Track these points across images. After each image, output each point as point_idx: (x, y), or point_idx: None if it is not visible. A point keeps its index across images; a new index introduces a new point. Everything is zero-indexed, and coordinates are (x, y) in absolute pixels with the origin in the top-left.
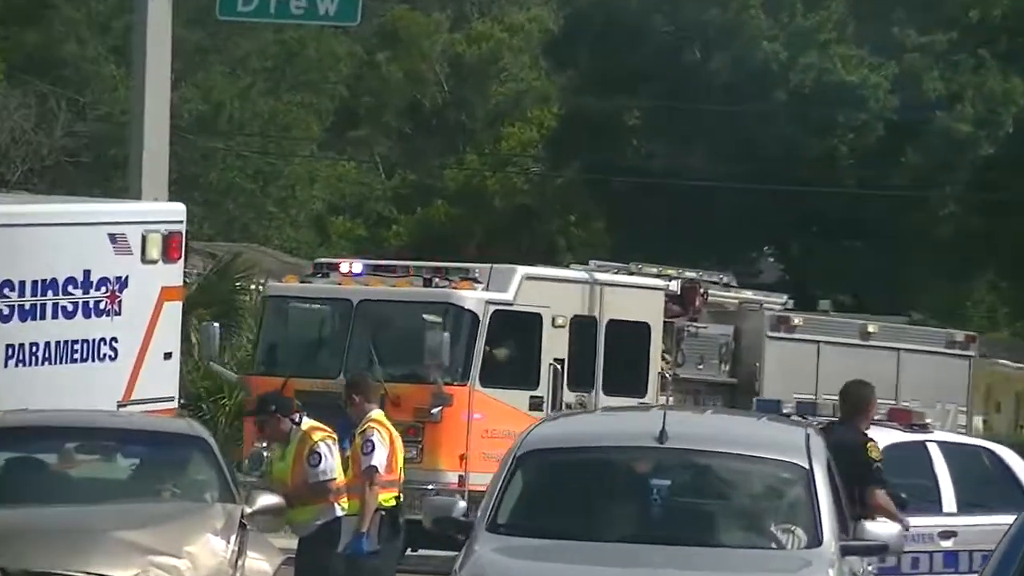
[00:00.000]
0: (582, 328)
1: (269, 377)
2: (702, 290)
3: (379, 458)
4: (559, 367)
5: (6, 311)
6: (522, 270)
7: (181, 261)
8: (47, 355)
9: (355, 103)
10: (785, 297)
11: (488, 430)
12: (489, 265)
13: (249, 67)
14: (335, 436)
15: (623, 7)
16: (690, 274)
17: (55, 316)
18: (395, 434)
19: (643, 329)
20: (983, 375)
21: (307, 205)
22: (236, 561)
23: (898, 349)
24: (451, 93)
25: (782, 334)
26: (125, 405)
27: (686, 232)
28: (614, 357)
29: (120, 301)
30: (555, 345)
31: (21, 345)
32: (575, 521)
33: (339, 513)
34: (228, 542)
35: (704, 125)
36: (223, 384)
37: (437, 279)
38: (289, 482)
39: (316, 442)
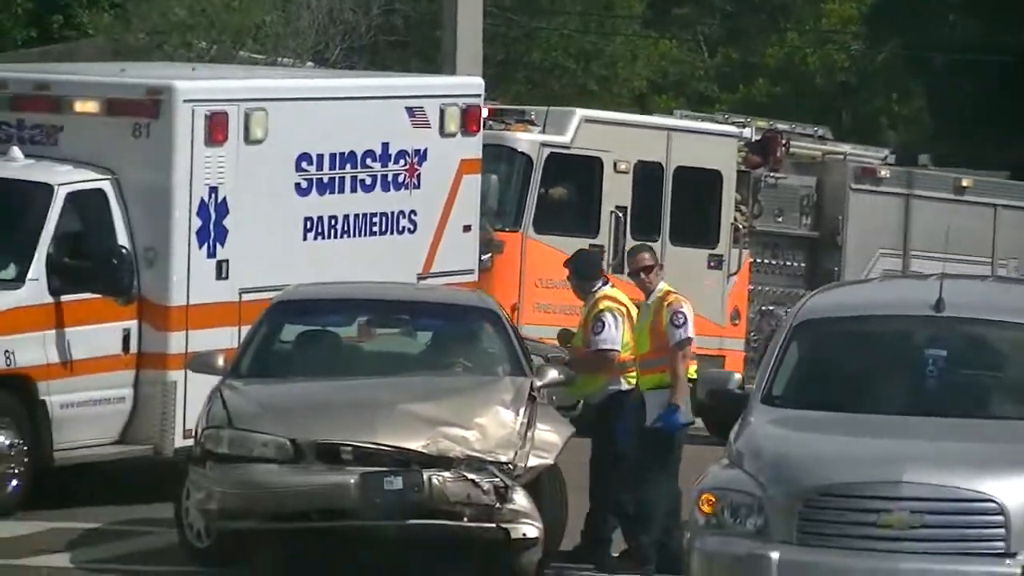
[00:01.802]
0: (647, 174)
1: None
2: (784, 140)
3: (692, 330)
4: (621, 215)
5: (304, 184)
6: (581, 112)
7: (480, 134)
8: (345, 228)
9: None
10: (887, 152)
11: (542, 279)
12: (546, 107)
13: None
14: (628, 308)
15: None
16: (782, 125)
17: (353, 189)
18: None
19: (714, 177)
20: None
21: (629, 83)
22: (525, 433)
23: (995, 205)
24: None
25: (867, 186)
26: (425, 278)
27: (1005, 111)
28: (682, 206)
29: (419, 174)
30: (617, 191)
31: (320, 218)
32: (849, 393)
33: (624, 387)
34: (517, 414)
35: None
36: None
37: (491, 121)
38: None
39: (602, 311)
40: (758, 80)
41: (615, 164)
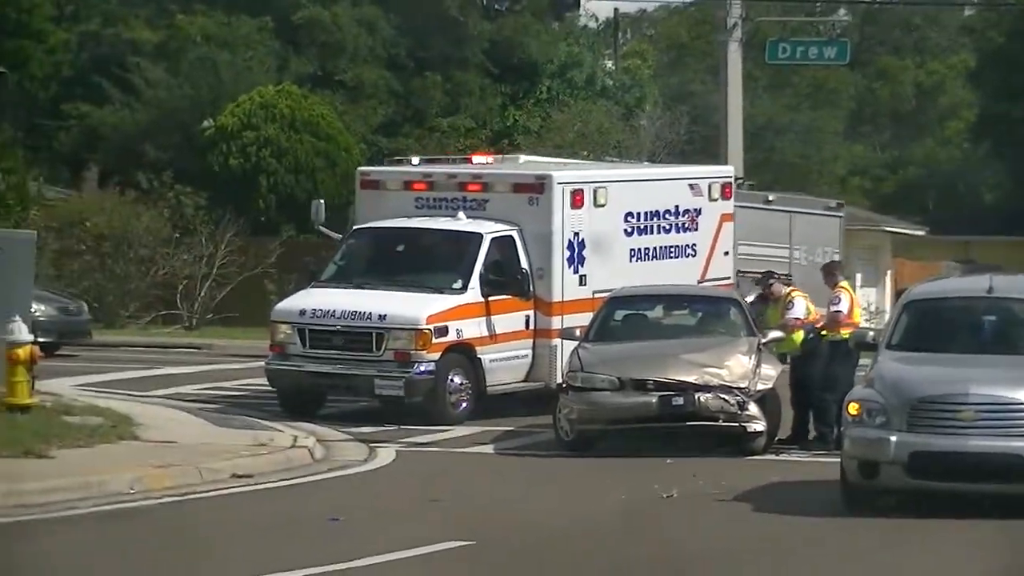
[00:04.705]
0: None
1: None
2: None
3: (843, 307)
4: None
5: (629, 230)
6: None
7: (732, 199)
8: (654, 255)
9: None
10: (742, 179)
11: None
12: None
13: (796, 92)
14: (805, 294)
15: None
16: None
17: (658, 232)
18: (855, 296)
19: None
20: None
21: (833, 172)
22: (755, 369)
23: (789, 211)
24: None
25: None
26: (702, 282)
27: None
28: None
29: (697, 223)
30: None
31: (639, 249)
32: (938, 341)
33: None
34: (750, 358)
35: None
36: None
37: None
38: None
39: (793, 297)
40: (908, 168)
41: None
